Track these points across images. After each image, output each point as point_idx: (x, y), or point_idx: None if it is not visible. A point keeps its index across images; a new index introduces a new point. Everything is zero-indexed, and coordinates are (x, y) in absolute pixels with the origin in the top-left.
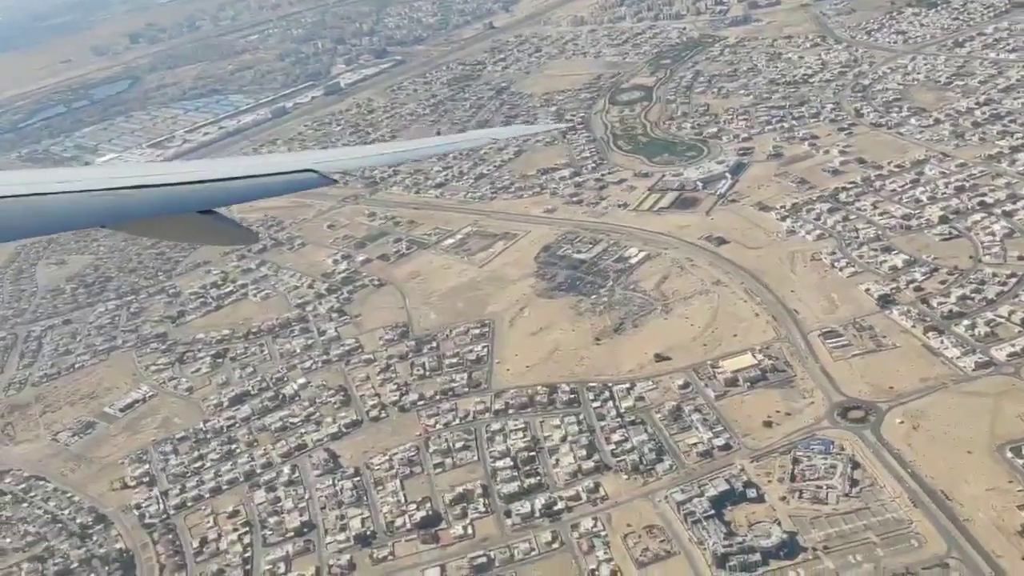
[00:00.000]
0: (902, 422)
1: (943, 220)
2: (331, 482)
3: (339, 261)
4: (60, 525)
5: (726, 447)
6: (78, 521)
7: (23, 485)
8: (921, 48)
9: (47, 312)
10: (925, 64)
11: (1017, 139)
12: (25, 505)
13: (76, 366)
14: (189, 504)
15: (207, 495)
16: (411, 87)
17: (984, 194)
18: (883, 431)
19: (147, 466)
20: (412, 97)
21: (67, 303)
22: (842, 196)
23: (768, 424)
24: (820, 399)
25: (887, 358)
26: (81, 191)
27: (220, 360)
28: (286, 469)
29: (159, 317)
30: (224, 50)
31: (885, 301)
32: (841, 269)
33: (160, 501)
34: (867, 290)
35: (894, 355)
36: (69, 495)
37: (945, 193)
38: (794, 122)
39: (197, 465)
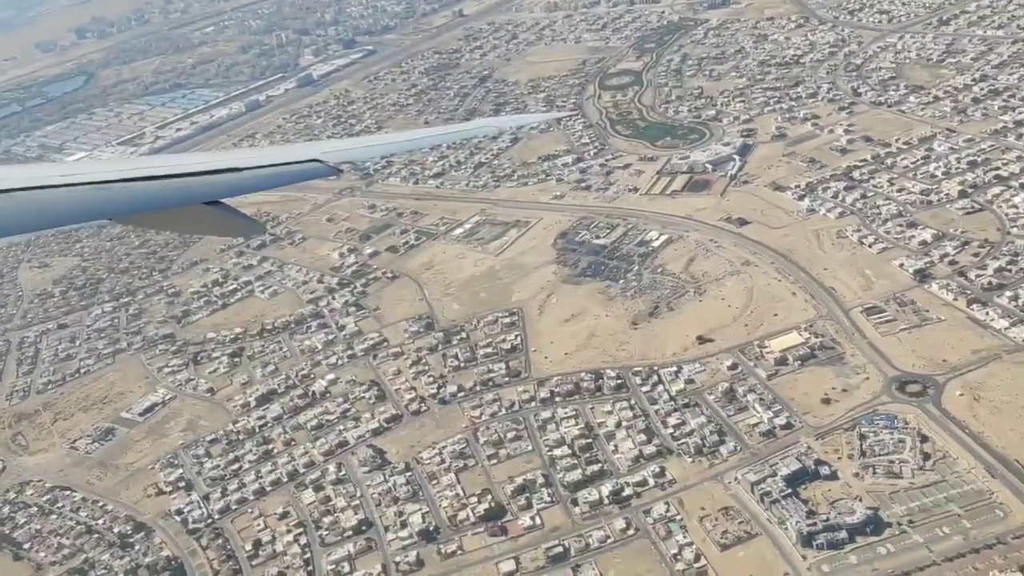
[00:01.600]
0: (962, 394)
1: (962, 194)
2: (382, 478)
3: (345, 255)
4: (97, 535)
5: (788, 426)
6: (116, 530)
7: (48, 496)
8: (907, 27)
9: (38, 317)
10: (914, 42)
11: (1020, 114)
12: (54, 517)
13: (81, 371)
14: (234, 507)
15: (251, 497)
16: (388, 77)
17: (998, 168)
18: (944, 403)
19: (180, 470)
20: (391, 87)
21: (58, 307)
22: (855, 174)
23: (827, 401)
24: (874, 375)
25: (934, 331)
26: (87, 183)
27: (237, 359)
28: (331, 467)
29: (162, 318)
30: (180, 43)
31: (922, 276)
32: (870, 245)
33: (202, 505)
34: (901, 265)
35: (941, 328)
36: (101, 504)
37: (959, 168)
38: (792, 103)
39: (234, 467)
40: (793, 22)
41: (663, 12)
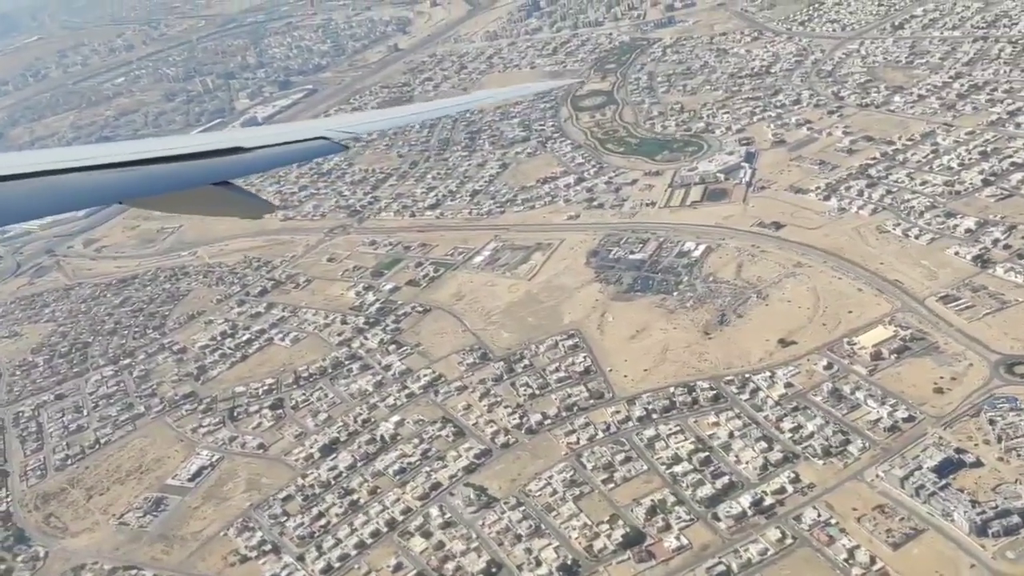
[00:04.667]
0: None
1: (986, 183)
2: (495, 516)
3: (362, 293)
4: None
5: (909, 419)
6: None
7: None
8: (862, 33)
9: (27, 389)
10: (875, 47)
11: (1010, 105)
12: None
13: (101, 441)
14: (336, 565)
15: (353, 552)
16: (339, 115)
17: (1010, 155)
18: None
19: (259, 533)
20: None
21: (47, 377)
22: (872, 172)
23: (939, 391)
24: (976, 360)
25: (1019, 313)
26: (97, 167)
27: (280, 411)
28: (433, 511)
29: (176, 376)
30: (92, 96)
31: (983, 262)
32: (916, 237)
33: (300, 567)
34: (956, 253)
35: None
36: None
37: (972, 159)
38: (779, 110)
39: (322, 523)
40: (748, 36)
41: (611, 34)
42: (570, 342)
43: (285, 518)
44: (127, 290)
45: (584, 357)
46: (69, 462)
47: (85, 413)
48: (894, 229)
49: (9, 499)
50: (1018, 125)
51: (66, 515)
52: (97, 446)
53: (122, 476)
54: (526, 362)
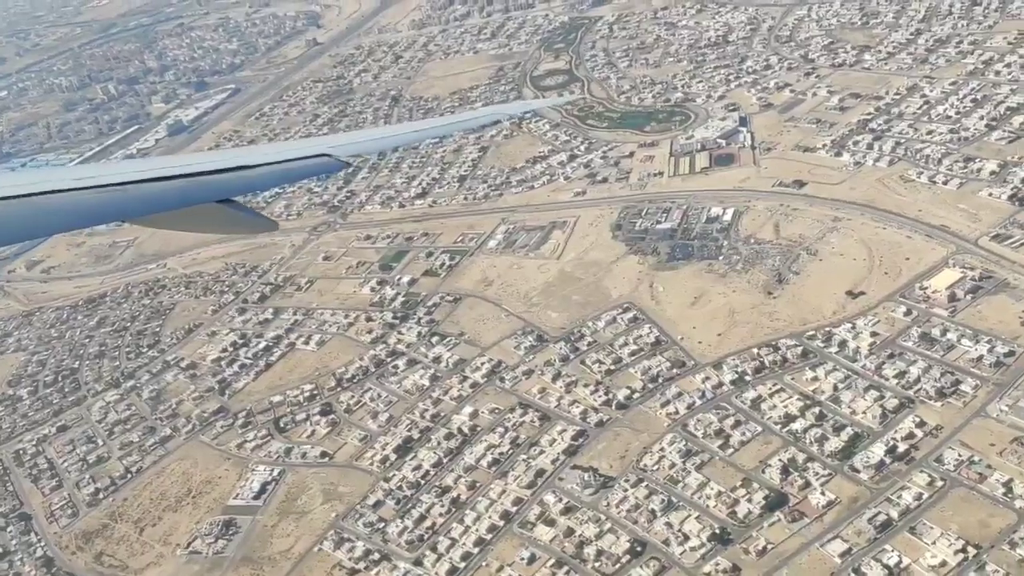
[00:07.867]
0: None
1: (990, 127)
2: (619, 495)
3: (377, 288)
4: None
5: (1010, 353)
6: None
7: None
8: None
9: (20, 425)
10: (825, 11)
11: (980, 55)
12: None
13: (133, 470)
14: (460, 565)
15: (475, 550)
16: (278, 112)
17: (1001, 101)
18: None
19: (359, 543)
20: (288, 121)
21: (38, 409)
22: (872, 126)
23: None
24: None
25: None
26: (101, 186)
27: (332, 416)
28: (549, 498)
29: (197, 393)
30: None
31: (1019, 200)
32: (945, 183)
33: (423, 571)
34: (990, 195)
35: None
36: None
37: (967, 107)
38: (753, 76)
39: (427, 525)
40: (691, 8)
41: (547, 15)
42: (628, 315)
43: (383, 524)
44: (99, 310)
45: (649, 329)
46: (101, 496)
47: (101, 443)
48: (919, 177)
49: (43, 543)
50: (997, 72)
51: (120, 552)
52: (129, 475)
53: (172, 503)
54: (588, 339)
